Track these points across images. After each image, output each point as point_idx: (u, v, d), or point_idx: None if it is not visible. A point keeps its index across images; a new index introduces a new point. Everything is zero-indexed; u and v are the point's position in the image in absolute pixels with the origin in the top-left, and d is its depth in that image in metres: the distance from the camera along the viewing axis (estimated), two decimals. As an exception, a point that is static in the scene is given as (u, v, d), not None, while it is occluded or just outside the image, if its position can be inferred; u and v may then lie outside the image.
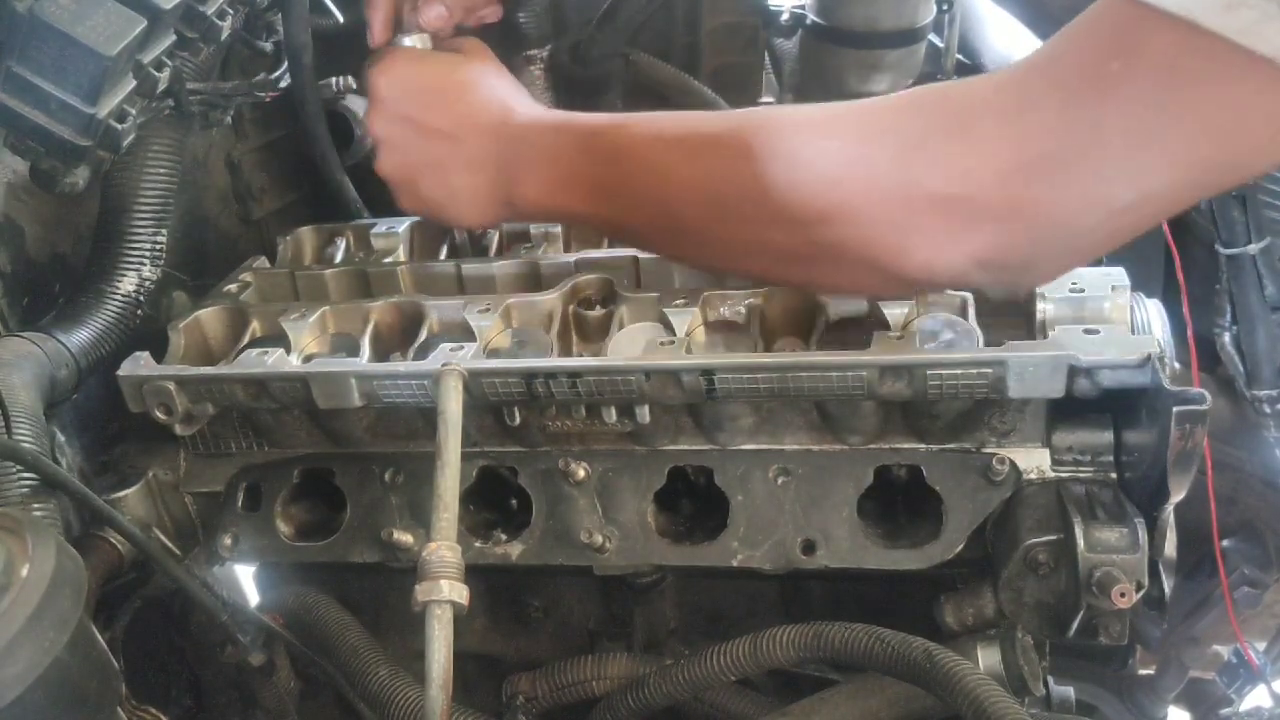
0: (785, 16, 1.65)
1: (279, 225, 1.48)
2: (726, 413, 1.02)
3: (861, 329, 1.01)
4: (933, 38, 1.64)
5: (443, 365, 0.95)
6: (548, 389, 0.98)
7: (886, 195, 0.78)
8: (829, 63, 1.61)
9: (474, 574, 0.84)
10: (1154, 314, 1.01)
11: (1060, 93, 0.73)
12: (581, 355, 1.10)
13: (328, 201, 1.45)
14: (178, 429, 1.07)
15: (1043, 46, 0.78)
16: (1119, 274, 1.01)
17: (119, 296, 1.12)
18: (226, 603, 1.08)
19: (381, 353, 1.12)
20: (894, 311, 1.01)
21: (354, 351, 1.10)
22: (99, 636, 0.70)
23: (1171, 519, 0.91)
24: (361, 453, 1.13)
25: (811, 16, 1.60)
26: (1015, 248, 0.78)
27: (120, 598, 1.14)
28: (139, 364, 1.07)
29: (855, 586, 1.18)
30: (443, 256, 1.26)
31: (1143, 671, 1.73)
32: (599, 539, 1.05)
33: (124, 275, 1.12)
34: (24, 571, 0.63)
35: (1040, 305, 1.00)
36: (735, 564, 1.03)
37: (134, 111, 1.02)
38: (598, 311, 1.11)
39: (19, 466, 0.89)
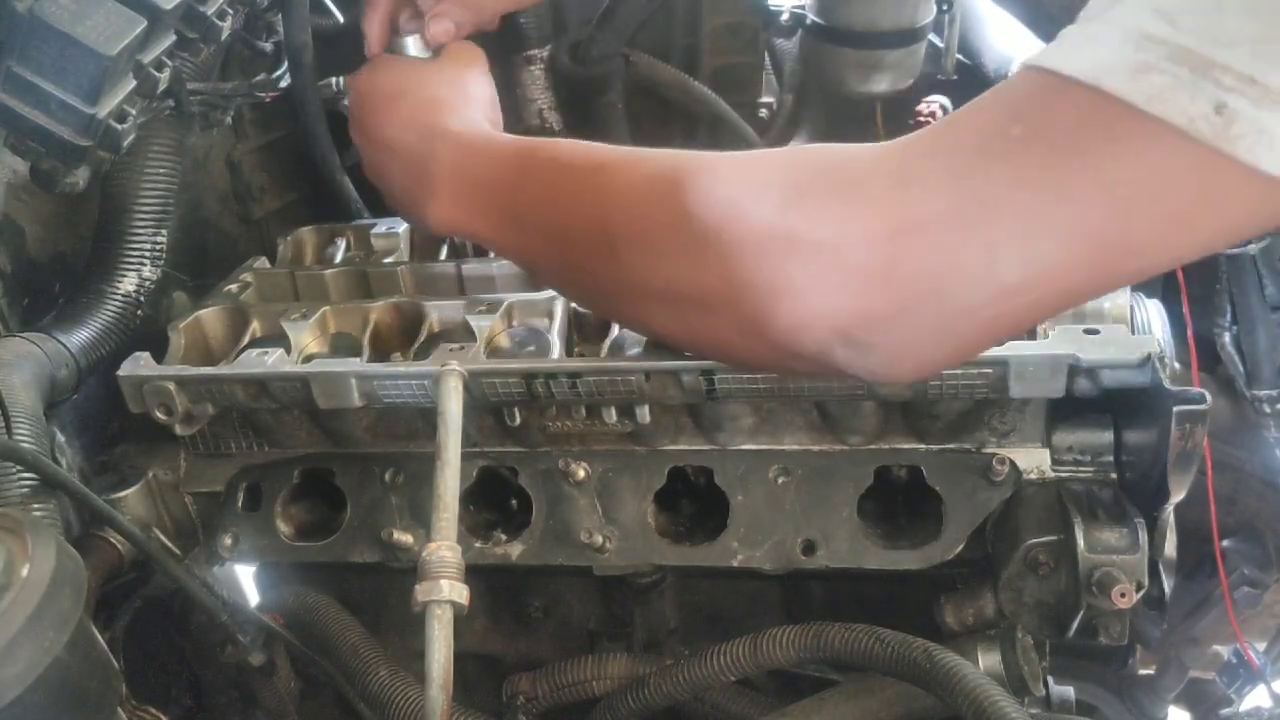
0: (785, 16, 1.65)
1: (279, 225, 1.48)
2: (726, 413, 1.02)
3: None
4: (933, 38, 1.64)
5: (443, 365, 0.95)
6: (548, 389, 0.98)
7: (761, 244, 0.75)
8: (829, 63, 1.61)
9: (474, 574, 0.84)
10: (1154, 314, 1.01)
11: (954, 156, 0.69)
12: (582, 355, 1.10)
13: (328, 201, 1.45)
14: (178, 429, 1.07)
15: (949, 115, 0.75)
16: (1119, 274, 1.01)
17: (119, 296, 1.12)
18: (226, 603, 1.08)
19: (381, 353, 1.12)
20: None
21: (354, 351, 1.10)
22: (99, 636, 0.69)
23: (1171, 519, 0.91)
24: (361, 453, 1.13)
25: (811, 16, 1.60)
26: (885, 318, 0.72)
27: (120, 598, 1.14)
28: (139, 364, 1.07)
29: (855, 586, 1.18)
30: (443, 256, 1.27)
31: (1143, 671, 1.73)
32: (599, 539, 1.05)
33: (124, 275, 1.12)
34: (24, 571, 0.63)
35: (1040, 305, 1.00)
36: (735, 564, 1.03)
37: (134, 111, 1.02)
38: (598, 311, 1.11)
39: (19, 466, 0.89)
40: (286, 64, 1.29)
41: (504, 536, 1.09)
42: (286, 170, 1.53)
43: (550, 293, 1.11)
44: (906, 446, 1.02)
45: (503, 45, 1.61)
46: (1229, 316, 1.56)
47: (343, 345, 1.13)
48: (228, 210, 1.46)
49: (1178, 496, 0.88)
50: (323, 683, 1.19)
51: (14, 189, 1.07)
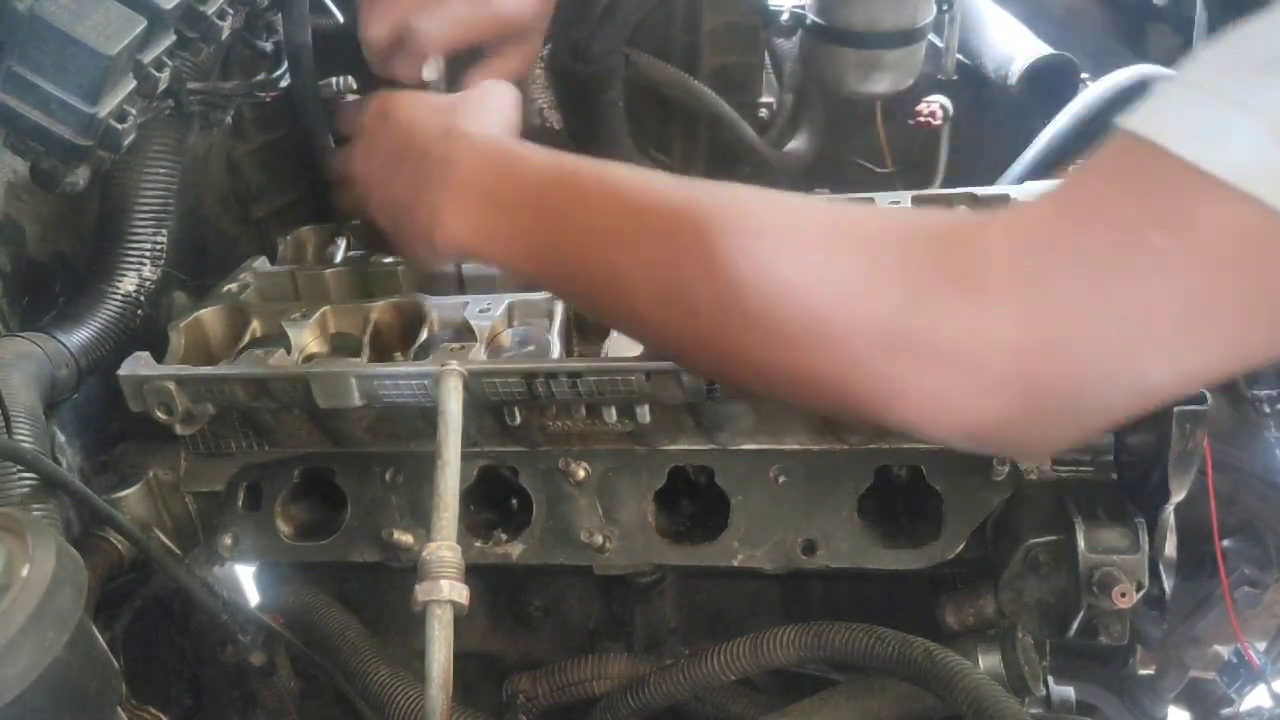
0: (785, 16, 1.65)
1: (279, 225, 1.48)
2: (727, 412, 1.02)
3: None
4: (933, 38, 1.64)
5: (443, 365, 0.95)
6: (548, 389, 0.98)
7: (877, 339, 0.69)
8: (829, 63, 1.61)
9: (474, 574, 0.84)
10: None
11: (1089, 260, 0.63)
12: (582, 355, 1.10)
13: (328, 201, 1.44)
14: (178, 429, 1.07)
15: (1066, 189, 0.68)
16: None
17: (119, 296, 1.12)
18: (226, 603, 1.08)
19: (382, 352, 1.12)
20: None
21: (354, 351, 1.10)
22: (99, 636, 0.69)
23: (1171, 519, 0.91)
24: (362, 452, 1.13)
25: (811, 16, 1.60)
26: (1018, 425, 0.69)
27: (120, 598, 1.14)
28: (139, 364, 1.07)
29: (855, 586, 1.18)
30: (443, 257, 1.26)
31: (1143, 671, 1.72)
32: (599, 539, 1.05)
33: (124, 275, 1.12)
34: (24, 571, 0.63)
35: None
36: (736, 564, 1.03)
37: (134, 111, 1.02)
38: (598, 311, 1.11)
39: (19, 466, 0.89)
40: (286, 64, 1.29)
41: (504, 536, 1.09)
42: (286, 170, 1.53)
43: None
44: (907, 446, 1.02)
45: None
46: (1229, 316, 1.56)
47: (343, 345, 1.13)
48: (228, 210, 1.46)
49: (1178, 496, 0.88)
50: (323, 683, 1.19)
51: (14, 189, 1.07)
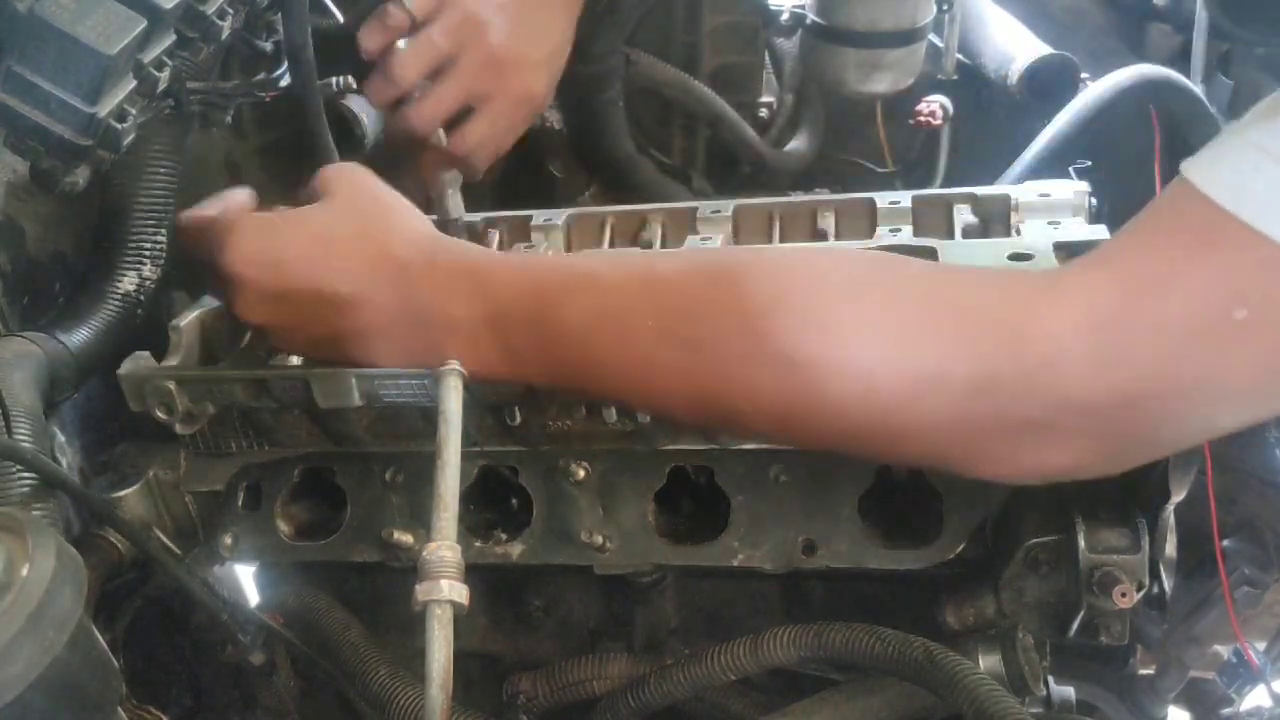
0: (785, 16, 1.65)
1: (279, 225, 1.47)
2: (727, 412, 1.02)
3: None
4: (933, 38, 1.64)
5: (443, 365, 0.95)
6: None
7: (950, 429, 0.69)
8: (829, 63, 1.61)
9: (474, 574, 0.84)
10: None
11: (1170, 339, 0.64)
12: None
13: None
14: (178, 428, 1.07)
15: (1134, 257, 0.67)
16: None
17: (119, 296, 1.11)
18: (227, 602, 1.08)
19: (382, 352, 1.12)
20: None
21: (354, 351, 1.10)
22: (99, 636, 0.69)
23: (1171, 519, 0.91)
24: (362, 452, 1.13)
25: (811, 16, 1.60)
26: (1095, 467, 0.71)
27: (120, 597, 1.14)
28: (139, 363, 1.07)
29: (856, 586, 1.18)
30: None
31: (1143, 671, 1.73)
32: (599, 539, 1.05)
33: (124, 275, 1.12)
34: (24, 571, 0.63)
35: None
36: (736, 564, 1.03)
37: (134, 111, 1.02)
38: (598, 311, 1.11)
39: (19, 466, 0.89)
40: (286, 64, 1.28)
41: (504, 536, 1.09)
42: (286, 170, 1.53)
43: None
44: (907, 446, 1.02)
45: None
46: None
47: (343, 345, 1.13)
48: (228, 210, 1.46)
49: (1178, 496, 0.88)
50: (323, 683, 1.19)
51: (14, 189, 1.07)
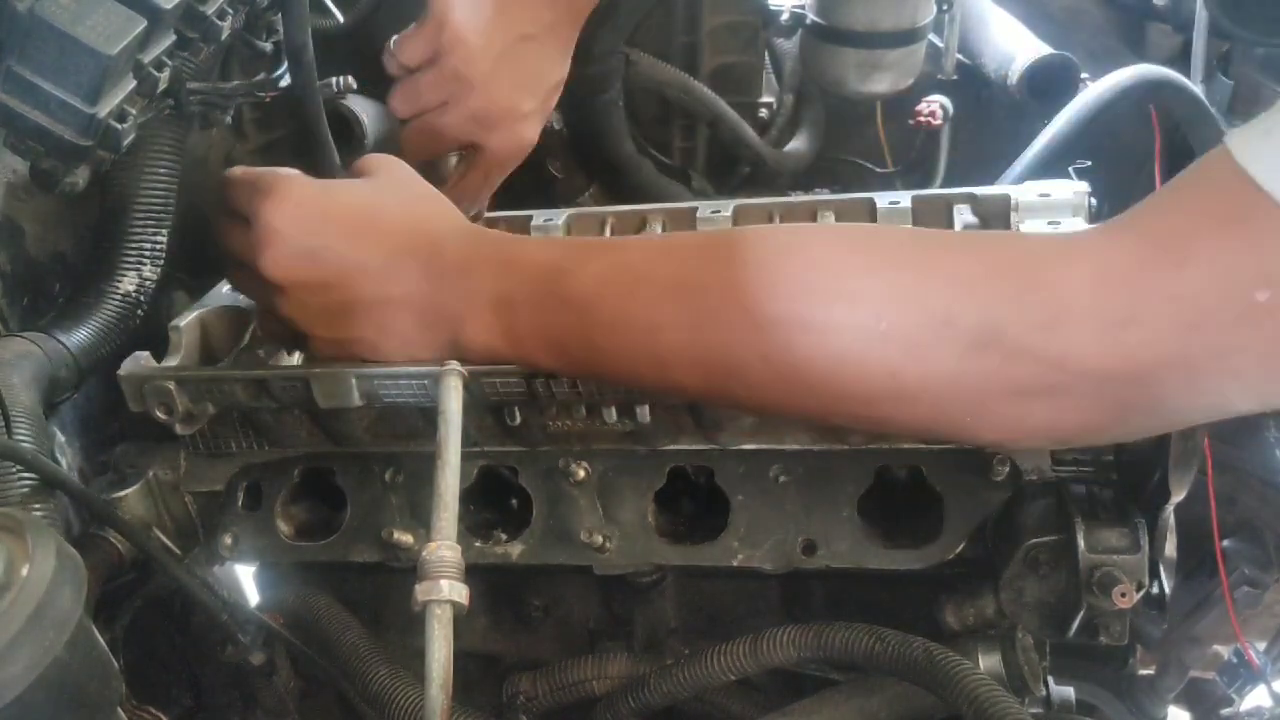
0: (785, 16, 1.65)
1: (279, 225, 1.47)
2: (727, 412, 1.02)
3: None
4: (933, 38, 1.64)
5: (443, 365, 0.95)
6: (548, 389, 0.98)
7: (956, 385, 0.68)
8: (829, 63, 1.61)
9: (474, 574, 0.84)
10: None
11: (1187, 310, 0.62)
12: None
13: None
14: (178, 429, 1.07)
15: (1157, 218, 0.66)
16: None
17: (119, 296, 1.11)
18: (226, 603, 1.08)
19: (382, 352, 1.12)
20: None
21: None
22: (99, 636, 0.69)
23: (1171, 519, 0.91)
24: (362, 452, 1.13)
25: (811, 16, 1.60)
26: (1102, 431, 0.70)
27: (120, 597, 1.14)
28: (139, 363, 1.07)
29: (855, 586, 1.18)
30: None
31: (1143, 671, 1.73)
32: (599, 539, 1.05)
33: (124, 275, 1.12)
34: (24, 571, 0.63)
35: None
36: (736, 564, 1.03)
37: (134, 111, 1.02)
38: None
39: (19, 466, 0.89)
40: (286, 64, 1.28)
41: (504, 536, 1.09)
42: (286, 170, 1.53)
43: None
44: (907, 446, 1.02)
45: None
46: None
47: (343, 345, 1.13)
48: (228, 210, 1.46)
49: (1178, 496, 0.88)
50: (323, 683, 1.19)
51: (14, 189, 1.07)
